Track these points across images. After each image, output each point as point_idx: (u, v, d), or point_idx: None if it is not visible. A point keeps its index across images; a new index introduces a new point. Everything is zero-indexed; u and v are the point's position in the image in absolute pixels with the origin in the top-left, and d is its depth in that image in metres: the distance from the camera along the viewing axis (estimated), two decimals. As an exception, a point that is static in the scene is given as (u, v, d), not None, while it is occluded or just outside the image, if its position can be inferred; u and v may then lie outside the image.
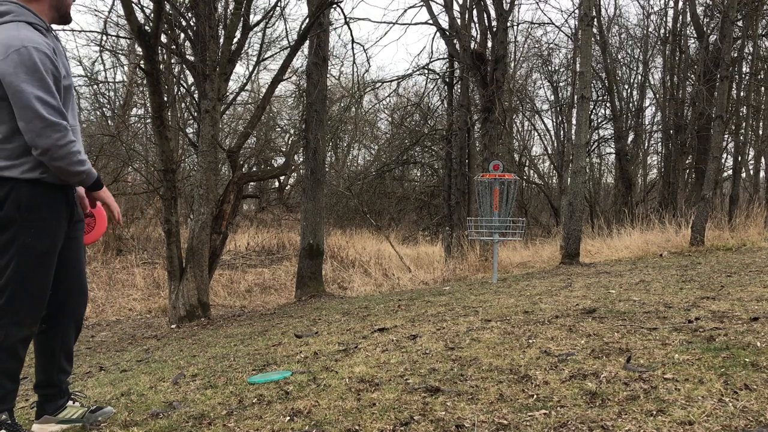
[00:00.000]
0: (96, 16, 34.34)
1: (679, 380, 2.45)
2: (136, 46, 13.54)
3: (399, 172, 22.74)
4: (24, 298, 2.30)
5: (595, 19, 15.88)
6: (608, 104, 20.18)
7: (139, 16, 7.92)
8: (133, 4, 6.87)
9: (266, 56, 13.54)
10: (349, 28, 21.55)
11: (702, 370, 2.54)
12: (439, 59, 17.62)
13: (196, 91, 8.36)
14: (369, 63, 32.21)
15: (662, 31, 19.91)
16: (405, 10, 36.64)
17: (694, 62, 18.02)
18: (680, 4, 18.47)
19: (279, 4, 9.79)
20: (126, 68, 16.30)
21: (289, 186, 25.57)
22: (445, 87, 17.48)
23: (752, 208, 12.36)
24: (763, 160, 20.36)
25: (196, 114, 8.98)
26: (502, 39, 13.16)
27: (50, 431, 2.56)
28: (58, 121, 2.23)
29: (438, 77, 17.17)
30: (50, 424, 2.56)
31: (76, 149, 2.31)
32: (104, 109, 17.11)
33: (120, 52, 15.49)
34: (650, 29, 20.43)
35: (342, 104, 18.30)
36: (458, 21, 15.02)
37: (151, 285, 10.92)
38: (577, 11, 13.93)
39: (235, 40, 7.69)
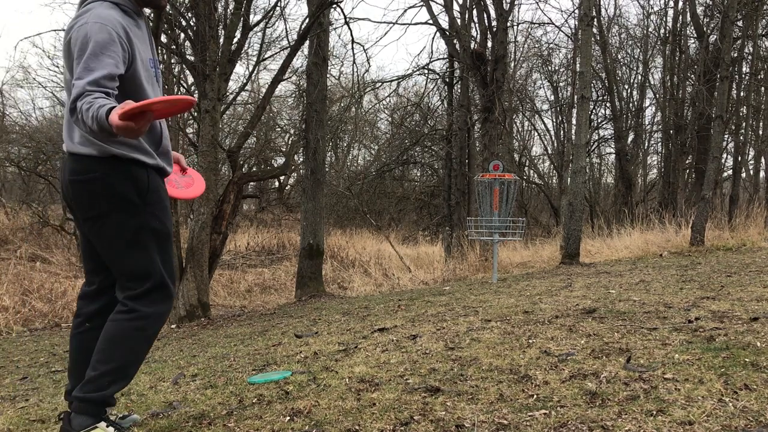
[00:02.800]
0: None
1: (679, 380, 2.45)
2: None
3: (399, 172, 22.72)
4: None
5: (595, 19, 15.87)
6: (608, 104, 20.18)
7: (139, 16, 7.91)
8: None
9: (266, 56, 13.52)
10: (349, 28, 21.50)
11: (702, 370, 2.54)
12: (439, 59, 17.61)
13: (196, 91, 8.36)
14: (369, 63, 32.11)
15: (662, 31, 19.91)
16: (405, 10, 36.53)
17: (694, 62, 18.00)
18: (680, 4, 18.47)
19: (279, 4, 9.80)
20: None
21: (289, 186, 25.55)
22: (445, 87, 17.46)
23: (752, 208, 12.35)
24: (763, 160, 20.37)
25: (196, 114, 8.98)
26: (502, 39, 13.16)
27: None
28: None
29: (438, 77, 17.15)
30: None
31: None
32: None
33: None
34: (650, 29, 20.44)
35: (342, 104, 18.28)
36: (458, 21, 15.01)
37: (151, 285, 10.89)
38: (577, 11, 13.93)
39: (235, 40, 7.71)
